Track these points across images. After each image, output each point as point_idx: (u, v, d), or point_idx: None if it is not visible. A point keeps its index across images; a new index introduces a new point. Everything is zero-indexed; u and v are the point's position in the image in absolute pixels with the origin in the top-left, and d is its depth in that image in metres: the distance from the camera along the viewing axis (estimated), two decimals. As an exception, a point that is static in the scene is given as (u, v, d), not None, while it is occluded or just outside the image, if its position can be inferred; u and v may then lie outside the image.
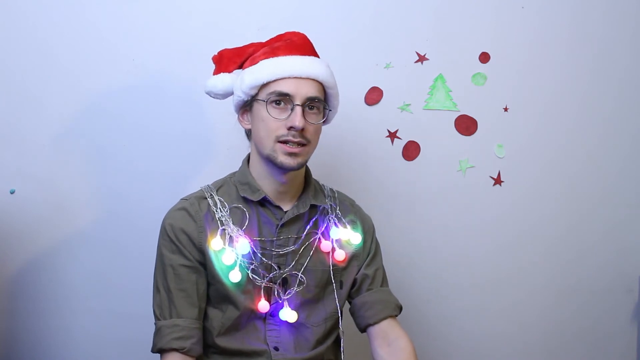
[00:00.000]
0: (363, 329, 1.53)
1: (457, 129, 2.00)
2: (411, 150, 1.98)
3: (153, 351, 1.40)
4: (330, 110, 1.43)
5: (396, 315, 1.51)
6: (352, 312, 1.54)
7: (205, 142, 1.85)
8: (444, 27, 1.97)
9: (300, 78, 1.36)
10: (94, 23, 1.78)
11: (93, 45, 1.78)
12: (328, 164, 1.89)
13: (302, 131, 1.34)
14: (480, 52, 1.99)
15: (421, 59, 1.96)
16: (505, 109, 2.02)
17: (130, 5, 1.79)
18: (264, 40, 1.47)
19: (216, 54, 1.49)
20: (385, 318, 1.49)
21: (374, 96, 1.95)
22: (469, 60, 1.99)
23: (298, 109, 1.34)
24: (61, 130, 1.78)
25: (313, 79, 1.37)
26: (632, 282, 2.14)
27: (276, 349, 1.43)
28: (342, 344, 1.50)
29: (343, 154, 1.93)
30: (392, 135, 1.96)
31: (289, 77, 1.35)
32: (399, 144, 1.97)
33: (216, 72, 1.47)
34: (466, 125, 2.00)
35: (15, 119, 1.76)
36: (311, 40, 1.45)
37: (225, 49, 1.48)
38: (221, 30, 1.81)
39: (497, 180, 2.03)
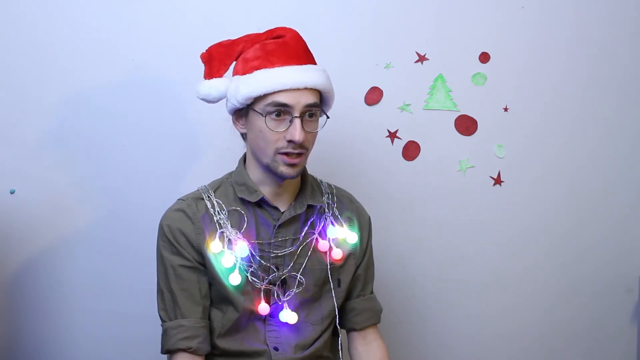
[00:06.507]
0: (346, 330, 1.57)
1: (457, 129, 2.00)
2: (411, 150, 1.98)
3: (162, 352, 1.40)
4: (328, 117, 1.43)
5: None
6: (339, 312, 1.54)
7: (206, 142, 1.85)
8: (444, 27, 1.97)
9: (298, 89, 1.33)
10: (93, 23, 1.78)
11: (93, 45, 1.78)
12: (328, 164, 1.89)
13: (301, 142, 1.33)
14: (480, 52, 1.99)
15: (421, 59, 1.96)
16: (505, 109, 2.01)
17: (130, 5, 1.79)
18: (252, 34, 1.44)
19: (204, 51, 1.44)
20: (369, 326, 1.55)
21: (374, 96, 1.94)
22: (469, 60, 1.99)
23: (297, 122, 1.32)
24: (61, 130, 1.78)
25: (311, 88, 1.35)
26: (632, 282, 2.14)
27: (276, 349, 1.43)
28: (340, 341, 1.52)
29: (343, 154, 1.93)
30: (392, 135, 1.96)
31: (288, 89, 1.33)
32: (399, 144, 1.97)
33: (207, 75, 1.43)
34: (466, 125, 2.00)
35: (15, 119, 1.76)
36: (304, 39, 1.43)
37: (214, 46, 1.43)
38: (221, 30, 1.79)
39: (497, 180, 2.02)
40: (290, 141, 1.33)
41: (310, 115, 1.36)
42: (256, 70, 1.36)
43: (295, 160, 1.35)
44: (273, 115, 1.33)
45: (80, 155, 1.79)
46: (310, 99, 1.35)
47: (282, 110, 1.33)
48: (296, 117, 1.33)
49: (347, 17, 1.91)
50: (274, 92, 1.33)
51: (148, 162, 1.82)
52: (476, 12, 1.98)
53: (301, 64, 1.37)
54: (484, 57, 2.00)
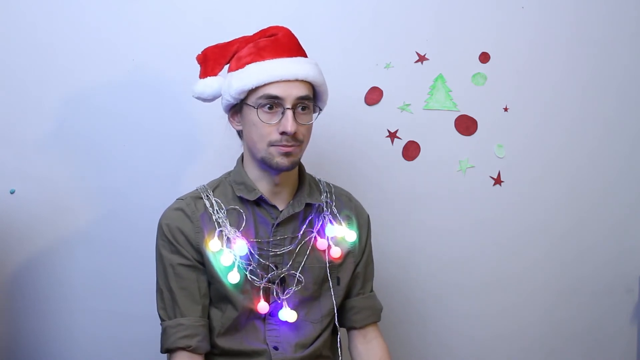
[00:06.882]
0: (346, 328, 1.57)
1: (457, 129, 2.00)
2: (411, 150, 1.98)
3: (161, 352, 1.40)
4: (321, 109, 1.44)
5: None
6: (338, 311, 1.54)
7: (205, 142, 1.85)
8: (444, 27, 1.97)
9: (289, 81, 1.34)
10: (93, 23, 1.78)
11: (93, 45, 1.78)
12: (328, 164, 1.89)
13: (294, 134, 1.34)
14: (480, 52, 1.99)
15: (421, 59, 1.96)
16: (505, 109, 2.02)
17: (130, 5, 1.79)
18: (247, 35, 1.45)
19: (200, 53, 1.46)
20: (369, 324, 1.55)
21: (374, 96, 1.95)
22: (469, 60, 1.99)
23: (289, 114, 1.33)
24: (61, 130, 1.78)
25: (302, 80, 1.36)
26: (632, 282, 2.13)
27: (276, 348, 1.43)
28: (339, 340, 1.51)
29: (343, 154, 1.93)
30: (392, 135, 1.96)
31: (278, 81, 1.34)
32: (399, 144, 1.97)
33: (202, 74, 1.45)
34: (466, 125, 2.00)
35: (15, 119, 1.76)
36: (300, 38, 1.44)
37: (209, 48, 1.46)
38: (221, 30, 1.80)
39: (497, 180, 2.02)
40: (282, 133, 1.33)
41: (303, 108, 1.37)
42: (248, 64, 1.37)
43: (290, 149, 1.35)
44: (265, 108, 1.34)
45: (80, 155, 1.79)
46: (302, 91, 1.35)
47: (274, 103, 1.34)
48: (288, 108, 1.33)
49: (347, 17, 1.92)
50: (265, 85, 1.34)
51: (148, 162, 1.82)
52: (476, 12, 1.98)
53: (292, 57, 1.38)
54: (484, 57, 2.00)
